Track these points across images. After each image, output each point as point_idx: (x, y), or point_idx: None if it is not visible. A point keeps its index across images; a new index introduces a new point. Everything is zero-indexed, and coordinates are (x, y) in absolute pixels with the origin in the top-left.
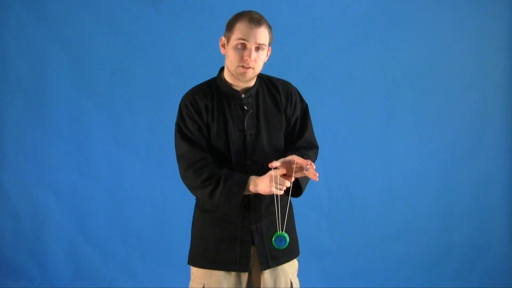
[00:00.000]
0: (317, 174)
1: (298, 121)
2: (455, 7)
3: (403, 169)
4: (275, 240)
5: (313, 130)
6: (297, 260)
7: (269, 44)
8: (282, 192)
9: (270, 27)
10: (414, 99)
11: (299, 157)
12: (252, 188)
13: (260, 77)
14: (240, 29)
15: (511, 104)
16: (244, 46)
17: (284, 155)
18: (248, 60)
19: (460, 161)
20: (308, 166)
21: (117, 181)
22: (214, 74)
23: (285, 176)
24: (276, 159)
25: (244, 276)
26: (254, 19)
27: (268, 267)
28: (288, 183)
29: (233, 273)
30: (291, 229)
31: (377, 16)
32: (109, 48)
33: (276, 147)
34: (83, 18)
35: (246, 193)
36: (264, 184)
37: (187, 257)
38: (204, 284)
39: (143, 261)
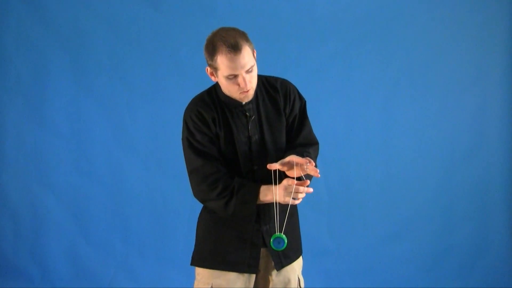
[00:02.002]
0: (318, 170)
1: (297, 118)
2: (455, 7)
3: (403, 169)
4: (273, 242)
5: (311, 127)
6: (302, 257)
7: (253, 50)
8: (299, 202)
9: (246, 38)
10: (414, 99)
11: (297, 156)
12: (270, 197)
13: (258, 79)
14: (223, 63)
15: (511, 104)
16: (235, 76)
17: (285, 155)
18: (245, 87)
19: (460, 161)
20: (308, 164)
21: (117, 181)
22: None
23: (292, 178)
24: None
25: (252, 277)
26: (231, 45)
27: (282, 266)
28: (311, 190)
29: (245, 275)
30: (295, 227)
31: (377, 16)
32: (109, 48)
33: (283, 149)
34: (83, 18)
35: (261, 202)
36: (280, 195)
37: (187, 257)
38: (212, 284)
39: (143, 261)
